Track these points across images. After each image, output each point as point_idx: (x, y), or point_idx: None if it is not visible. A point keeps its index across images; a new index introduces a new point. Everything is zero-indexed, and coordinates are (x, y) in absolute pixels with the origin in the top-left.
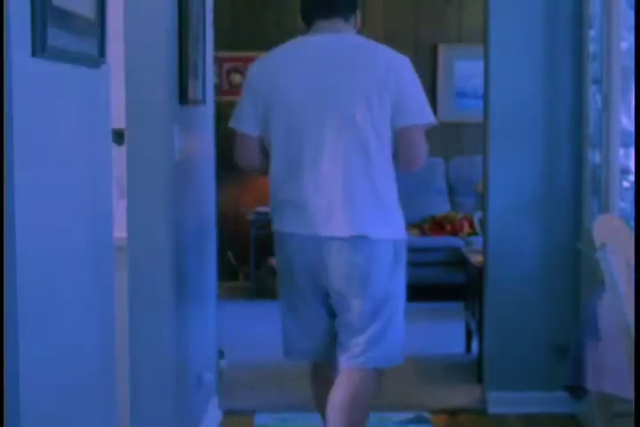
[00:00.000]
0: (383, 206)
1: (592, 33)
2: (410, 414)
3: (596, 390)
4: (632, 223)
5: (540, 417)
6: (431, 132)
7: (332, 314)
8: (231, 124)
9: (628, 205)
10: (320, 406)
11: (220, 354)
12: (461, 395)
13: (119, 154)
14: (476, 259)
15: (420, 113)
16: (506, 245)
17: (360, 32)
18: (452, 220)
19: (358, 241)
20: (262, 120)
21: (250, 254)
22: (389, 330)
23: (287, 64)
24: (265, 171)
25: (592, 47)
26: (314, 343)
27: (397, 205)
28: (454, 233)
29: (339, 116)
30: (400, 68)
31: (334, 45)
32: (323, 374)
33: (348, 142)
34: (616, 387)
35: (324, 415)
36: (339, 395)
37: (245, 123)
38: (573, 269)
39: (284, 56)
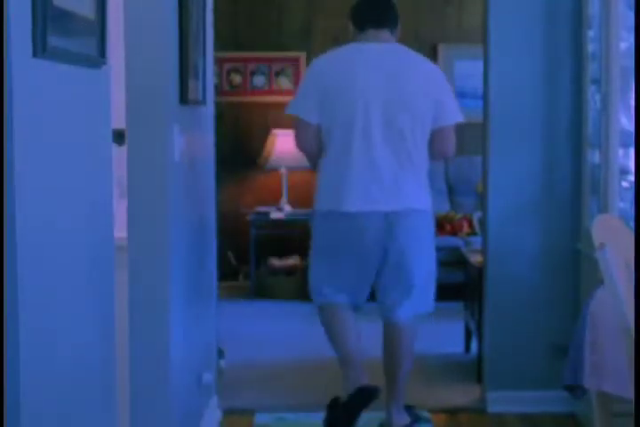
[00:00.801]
0: (423, 186)
1: (591, 33)
2: None
3: (595, 390)
4: (631, 223)
5: (539, 416)
6: None
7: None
8: (293, 112)
9: (627, 205)
10: (338, 343)
11: (220, 354)
12: (461, 394)
13: (120, 154)
14: (475, 259)
15: (454, 115)
16: (505, 245)
17: None
18: (452, 220)
19: (412, 213)
20: (320, 110)
21: (249, 254)
22: (431, 283)
23: (347, 64)
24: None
25: (591, 47)
26: (350, 290)
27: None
28: (454, 233)
29: (400, 113)
30: (437, 77)
31: (385, 53)
32: (344, 314)
33: (393, 136)
34: (615, 386)
35: (340, 352)
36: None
37: (308, 112)
38: (573, 269)
39: (344, 57)
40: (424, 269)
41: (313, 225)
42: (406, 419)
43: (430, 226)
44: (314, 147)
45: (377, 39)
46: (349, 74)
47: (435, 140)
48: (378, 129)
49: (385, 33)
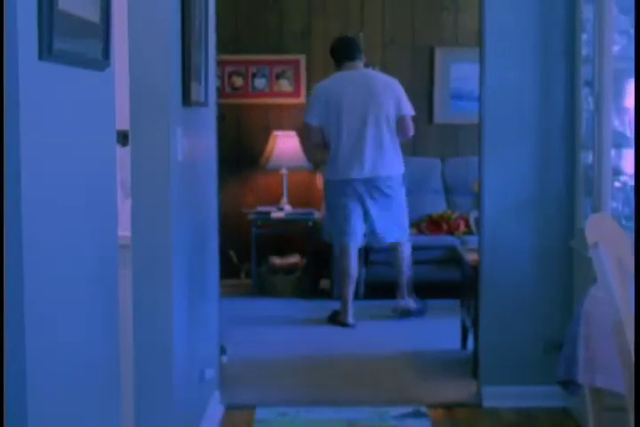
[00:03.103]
0: (399, 157)
1: (584, 37)
2: (407, 409)
3: (588, 385)
4: (623, 222)
5: (533, 411)
6: (428, 134)
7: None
8: (307, 120)
9: (619, 204)
10: (346, 267)
11: (222, 350)
12: (457, 390)
13: (124, 155)
14: (471, 257)
15: (408, 109)
16: (500, 244)
17: (359, 36)
18: (448, 219)
19: (391, 177)
20: (324, 117)
21: (251, 253)
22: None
23: (340, 86)
24: (323, 149)
25: (584, 51)
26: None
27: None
28: (450, 232)
29: (374, 113)
30: (395, 86)
31: (361, 76)
32: (353, 250)
33: (379, 125)
34: (608, 381)
35: (346, 271)
36: (405, 254)
37: (316, 119)
38: (566, 267)
39: (337, 82)
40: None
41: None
42: (417, 304)
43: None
44: (321, 139)
45: (353, 68)
46: (342, 93)
47: (399, 125)
48: (370, 124)
49: (357, 63)
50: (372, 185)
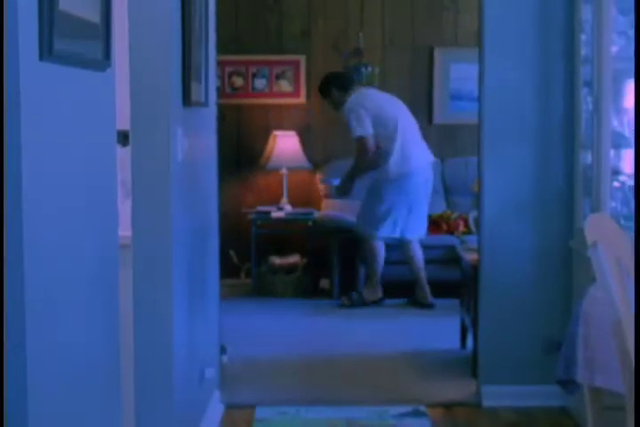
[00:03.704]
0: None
1: (583, 37)
2: (407, 408)
3: (587, 384)
4: (622, 222)
5: (532, 410)
6: (427, 134)
7: None
8: (362, 133)
9: (618, 204)
10: (376, 259)
11: (222, 349)
12: (457, 389)
13: (124, 155)
14: (470, 257)
15: None
16: (500, 244)
17: (359, 36)
18: (448, 219)
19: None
20: (375, 127)
21: (251, 253)
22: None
23: (381, 100)
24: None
25: (583, 51)
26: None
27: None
28: (450, 232)
29: (407, 119)
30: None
31: (381, 92)
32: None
33: (415, 130)
34: (607, 381)
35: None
36: (418, 251)
37: (370, 129)
38: (565, 267)
39: (374, 97)
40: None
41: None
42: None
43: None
44: (374, 147)
45: (364, 88)
46: (385, 104)
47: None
48: (409, 130)
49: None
50: (427, 177)
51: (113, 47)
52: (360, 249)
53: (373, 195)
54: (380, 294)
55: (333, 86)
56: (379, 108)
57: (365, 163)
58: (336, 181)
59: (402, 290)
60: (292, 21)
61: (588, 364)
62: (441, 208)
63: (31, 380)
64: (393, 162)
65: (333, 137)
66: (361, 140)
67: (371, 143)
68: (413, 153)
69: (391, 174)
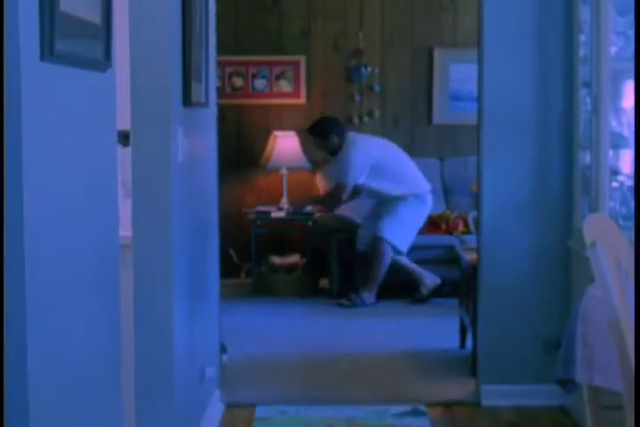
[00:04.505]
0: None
1: (582, 38)
2: (406, 407)
3: (586, 383)
4: (621, 222)
5: (531, 409)
6: (427, 134)
7: None
8: (348, 183)
9: (617, 204)
10: (385, 266)
11: (223, 349)
12: (456, 388)
13: (125, 155)
14: (470, 257)
15: None
16: (499, 244)
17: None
18: (447, 219)
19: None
20: (375, 171)
21: (251, 252)
22: None
23: (379, 144)
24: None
25: (582, 52)
26: None
27: None
28: (449, 232)
29: (405, 158)
30: None
31: (379, 139)
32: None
33: (414, 166)
34: (605, 380)
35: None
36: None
37: (361, 179)
38: (564, 267)
39: (373, 143)
40: None
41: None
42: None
43: None
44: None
45: (357, 134)
46: (384, 148)
47: None
48: (411, 168)
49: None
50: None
51: (113, 48)
52: (370, 254)
53: (399, 211)
54: (374, 297)
55: (334, 134)
56: (383, 156)
57: (332, 205)
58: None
59: (403, 290)
60: (292, 22)
61: (587, 363)
62: (440, 208)
63: (32, 380)
64: (406, 186)
65: None
66: (341, 187)
67: (347, 193)
68: (419, 179)
69: (408, 195)
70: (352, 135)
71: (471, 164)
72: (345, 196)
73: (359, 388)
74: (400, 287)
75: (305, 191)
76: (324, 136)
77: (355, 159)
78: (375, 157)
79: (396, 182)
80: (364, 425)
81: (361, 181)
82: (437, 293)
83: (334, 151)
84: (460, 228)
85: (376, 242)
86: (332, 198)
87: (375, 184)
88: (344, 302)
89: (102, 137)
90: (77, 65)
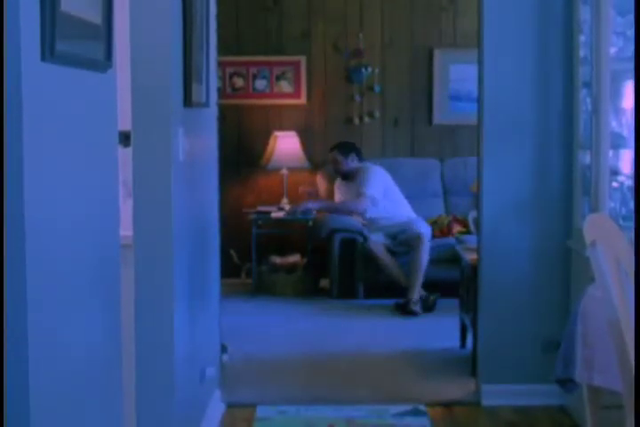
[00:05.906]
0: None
1: (582, 38)
2: (406, 407)
3: (586, 383)
4: (621, 222)
5: (531, 409)
6: (427, 135)
7: None
8: (371, 193)
9: (616, 204)
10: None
11: (223, 349)
12: (456, 388)
13: (125, 155)
14: (469, 257)
15: None
16: (499, 244)
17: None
18: (442, 224)
19: None
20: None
21: (251, 252)
22: None
23: (385, 173)
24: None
25: (582, 52)
26: None
27: None
28: (446, 235)
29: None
30: None
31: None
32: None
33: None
34: (605, 380)
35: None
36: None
37: (378, 194)
38: (564, 267)
39: (381, 169)
40: None
41: None
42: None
43: None
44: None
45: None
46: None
47: None
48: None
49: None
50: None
51: (114, 48)
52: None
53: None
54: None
55: (355, 154)
56: (388, 181)
57: (349, 213)
58: (311, 204)
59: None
60: (292, 22)
61: (587, 363)
62: (440, 208)
63: (33, 379)
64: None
65: (333, 137)
66: (365, 197)
67: (368, 203)
68: (409, 209)
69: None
70: (369, 164)
71: (471, 164)
72: (367, 206)
73: (359, 388)
74: (401, 287)
75: (305, 191)
76: (346, 153)
77: (377, 177)
78: (385, 183)
79: (395, 209)
80: (364, 425)
81: (380, 197)
82: (428, 306)
83: (346, 172)
84: (455, 229)
85: (415, 239)
86: (355, 207)
87: (381, 204)
88: (416, 309)
89: (103, 137)
90: (78, 65)
